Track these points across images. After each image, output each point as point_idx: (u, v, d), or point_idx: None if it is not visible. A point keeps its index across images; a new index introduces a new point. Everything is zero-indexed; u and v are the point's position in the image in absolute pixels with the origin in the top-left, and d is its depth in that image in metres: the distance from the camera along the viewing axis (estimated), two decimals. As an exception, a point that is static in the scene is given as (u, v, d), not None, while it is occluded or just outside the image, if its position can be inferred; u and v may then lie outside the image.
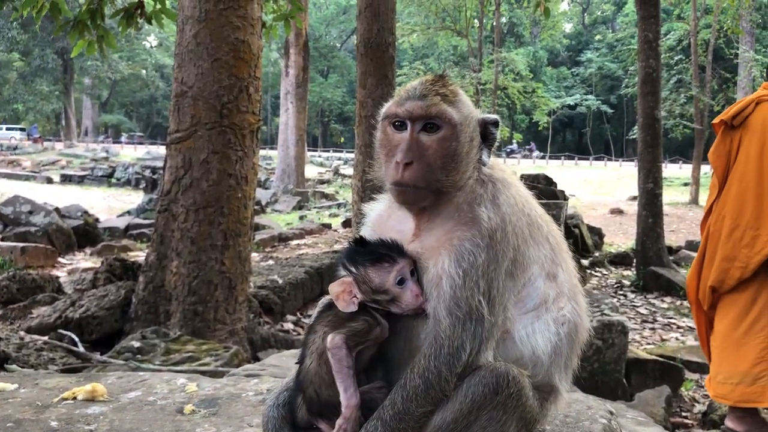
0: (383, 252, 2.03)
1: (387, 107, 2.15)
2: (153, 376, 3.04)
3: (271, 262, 13.53)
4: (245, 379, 3.11)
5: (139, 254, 13.05)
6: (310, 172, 40.07)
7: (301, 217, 23.74)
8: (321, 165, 50.69)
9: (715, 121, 5.45)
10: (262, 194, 27.58)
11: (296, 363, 2.10)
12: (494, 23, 49.24)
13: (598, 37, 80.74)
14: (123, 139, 73.73)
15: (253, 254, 14.31)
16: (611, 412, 2.49)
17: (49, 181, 37.40)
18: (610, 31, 77.88)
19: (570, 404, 2.57)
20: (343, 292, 2.01)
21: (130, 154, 54.34)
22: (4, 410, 2.66)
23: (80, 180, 38.05)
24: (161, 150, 47.69)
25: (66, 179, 38.25)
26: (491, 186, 2.11)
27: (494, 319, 1.98)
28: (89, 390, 2.80)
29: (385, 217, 2.27)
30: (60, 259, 15.17)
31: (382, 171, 2.15)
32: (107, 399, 2.81)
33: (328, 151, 69.77)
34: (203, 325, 7.48)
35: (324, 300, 2.14)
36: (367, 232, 2.26)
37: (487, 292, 1.96)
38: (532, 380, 2.06)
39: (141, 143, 70.10)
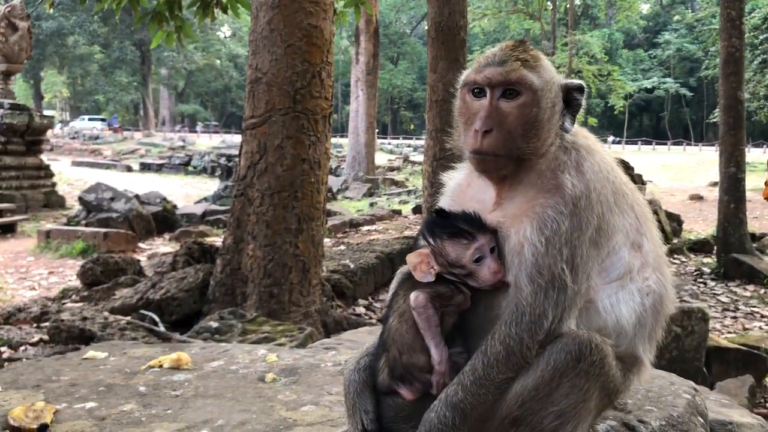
0: (462, 227, 2.01)
1: (466, 74, 2.12)
2: (234, 347, 3.15)
3: (342, 247, 13.67)
4: (323, 350, 3.18)
5: (215, 240, 13.39)
6: (380, 159, 40.19)
7: (372, 204, 23.85)
8: (391, 152, 50.79)
9: None
10: (333, 181, 27.85)
11: (380, 321, 2.12)
12: (568, 5, 48.25)
13: (676, 17, 78.04)
14: (199, 128, 75.42)
15: (326, 240, 14.51)
16: (695, 389, 2.45)
17: (129, 169, 38.60)
18: (690, 10, 75.09)
19: (652, 380, 2.53)
20: (420, 263, 2.02)
21: (206, 142, 55.52)
22: (96, 375, 2.80)
23: (158, 168, 39.15)
24: (236, 138, 48.64)
25: (145, 167, 39.42)
26: (575, 153, 2.08)
27: (577, 288, 1.96)
28: (175, 358, 2.91)
29: (464, 186, 2.25)
30: (140, 244, 15.70)
31: (461, 140, 2.13)
32: (191, 367, 2.91)
33: (398, 138, 69.73)
34: (278, 306, 7.63)
35: (403, 269, 2.15)
36: (446, 202, 2.24)
37: (570, 260, 1.94)
38: (615, 350, 2.03)
39: (216, 132, 71.50)
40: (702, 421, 2.24)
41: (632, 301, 2.05)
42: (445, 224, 2.05)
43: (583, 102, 2.13)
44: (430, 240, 2.05)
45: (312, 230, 7.90)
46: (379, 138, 47.38)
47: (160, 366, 2.90)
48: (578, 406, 1.94)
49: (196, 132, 69.96)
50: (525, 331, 1.91)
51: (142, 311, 7.97)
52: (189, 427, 2.21)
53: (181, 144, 51.22)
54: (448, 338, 2.02)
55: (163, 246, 15.67)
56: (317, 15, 7.80)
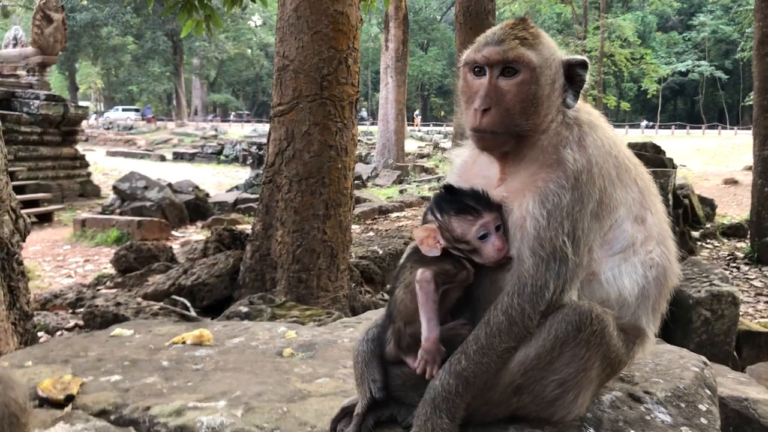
0: (469, 204, 2.05)
1: (466, 54, 2.15)
2: (255, 324, 3.24)
3: (371, 233, 13.74)
4: (341, 327, 3.25)
5: (246, 227, 13.54)
6: (410, 146, 40.15)
7: (401, 191, 23.87)
8: (421, 139, 50.64)
9: None
10: (362, 169, 27.92)
11: (387, 293, 2.18)
12: (599, -12, 47.62)
13: (712, -2, 76.57)
14: (231, 117, 75.99)
15: (354, 226, 14.62)
16: (705, 363, 2.46)
17: (162, 158, 39.09)
18: (726, -9, 73.62)
19: (661, 354, 2.56)
20: (427, 237, 2.07)
21: (238, 131, 55.92)
22: (122, 351, 2.91)
23: (191, 157, 39.54)
24: (267, 127, 48.91)
25: (178, 157, 39.86)
26: (577, 129, 2.10)
27: (578, 260, 1.99)
28: (197, 335, 3.02)
29: (470, 163, 2.29)
30: (173, 232, 15.92)
31: (463, 118, 2.17)
32: (213, 344, 3.01)
33: (428, 125, 69.52)
34: (307, 292, 7.72)
35: (413, 243, 2.20)
36: (453, 179, 2.29)
37: (572, 233, 1.97)
38: (618, 321, 2.06)
39: (248, 121, 71.95)
40: (710, 393, 2.26)
41: (635, 274, 2.08)
42: (452, 200, 2.09)
43: (587, 77, 2.15)
44: (437, 215, 2.10)
45: (340, 216, 7.97)
46: (409, 125, 47.35)
47: (183, 342, 3.01)
48: (579, 375, 1.98)
49: (228, 121, 70.51)
50: (527, 302, 1.96)
51: (174, 297, 8.13)
52: (207, 398, 2.30)
53: (213, 133, 51.64)
54: (454, 311, 2.08)
55: (196, 234, 15.87)
56: (343, 1, 7.83)
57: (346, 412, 2.11)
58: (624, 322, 2.09)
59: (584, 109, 2.20)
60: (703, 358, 2.47)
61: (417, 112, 74.42)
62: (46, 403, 2.38)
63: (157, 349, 2.93)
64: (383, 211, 17.81)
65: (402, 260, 2.23)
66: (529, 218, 2.00)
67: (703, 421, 2.10)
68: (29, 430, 2.00)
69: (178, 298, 8.03)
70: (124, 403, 2.33)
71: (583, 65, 2.14)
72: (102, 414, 2.29)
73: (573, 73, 2.14)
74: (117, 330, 3.19)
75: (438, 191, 2.18)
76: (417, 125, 62.72)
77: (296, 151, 7.80)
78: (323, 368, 2.62)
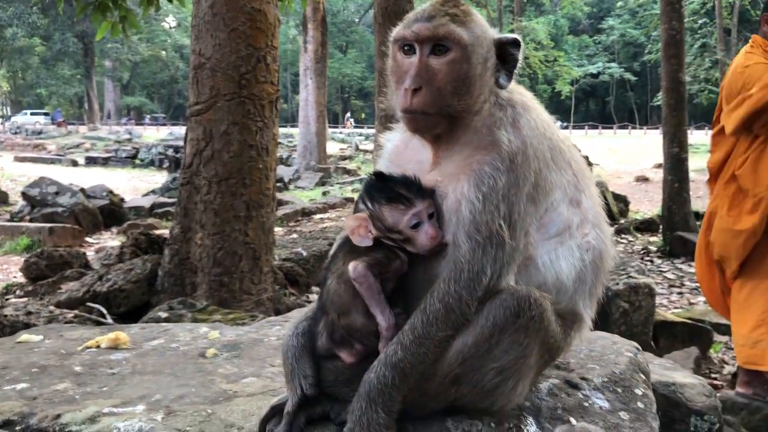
0: (400, 192, 1.99)
1: (396, 31, 2.08)
2: (176, 326, 3.11)
3: (295, 235, 13.59)
4: (267, 326, 3.15)
5: (165, 231, 13.18)
6: (332, 148, 40.03)
7: (324, 193, 23.78)
8: (342, 141, 50.58)
9: None
10: (284, 171, 27.66)
11: (318, 285, 2.11)
12: (514, -8, 48.67)
13: (619, 3, 79.12)
14: (146, 120, 74.21)
15: (278, 229, 14.44)
16: (637, 348, 2.49)
17: (75, 164, 37.76)
18: (632, -4, 76.49)
19: (595, 340, 2.57)
20: (358, 227, 2.00)
21: (153, 135, 54.62)
22: (30, 358, 2.72)
23: (105, 162, 38.37)
24: (183, 130, 48.00)
25: (91, 161, 38.60)
26: (511, 110, 2.05)
27: (515, 244, 1.95)
28: (112, 338, 2.85)
29: (402, 148, 2.22)
30: (87, 239, 15.38)
31: (393, 99, 2.09)
32: (130, 347, 2.86)
33: (345, 126, 69.60)
34: (229, 295, 7.54)
35: (343, 233, 2.12)
36: (384, 164, 2.21)
37: (508, 216, 1.93)
38: (555, 307, 2.03)
39: (163, 124, 70.49)
40: (644, 378, 2.28)
41: (572, 257, 2.05)
42: (383, 188, 2.02)
43: (521, 56, 2.09)
44: (368, 204, 2.02)
45: (262, 217, 7.82)
46: (330, 127, 47.23)
47: (98, 346, 2.84)
48: (519, 362, 1.94)
49: (142, 124, 68.84)
50: (464, 288, 1.89)
51: (89, 304, 7.80)
52: (124, 403, 2.16)
53: (128, 137, 50.31)
54: (390, 302, 2.00)
55: (111, 240, 15.38)
56: (260, -1, 7.69)
57: (275, 411, 2.00)
58: (561, 307, 2.06)
59: (517, 90, 2.16)
60: (635, 344, 2.50)
61: (348, 114, 74.32)
62: (-60, 416, 2.19)
63: (69, 354, 2.75)
64: (306, 213, 17.69)
65: (333, 250, 2.15)
66: (465, 202, 1.94)
67: (640, 405, 2.11)
68: None
69: (93, 305, 7.71)
70: (31, 412, 2.15)
71: (516, 44, 2.08)
72: (6, 425, 2.10)
73: (505, 52, 2.08)
74: (24, 336, 2.99)
75: (368, 178, 2.10)
76: (349, 127, 62.55)
77: (215, 151, 7.60)
78: (249, 368, 2.52)
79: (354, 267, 1.95)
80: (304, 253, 10.25)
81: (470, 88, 2.01)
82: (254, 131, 7.64)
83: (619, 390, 2.18)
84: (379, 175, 2.08)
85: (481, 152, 1.98)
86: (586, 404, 2.11)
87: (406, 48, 2.04)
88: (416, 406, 1.96)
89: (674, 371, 2.98)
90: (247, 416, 2.06)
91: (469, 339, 1.91)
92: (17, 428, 2.09)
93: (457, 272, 1.91)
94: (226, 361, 2.62)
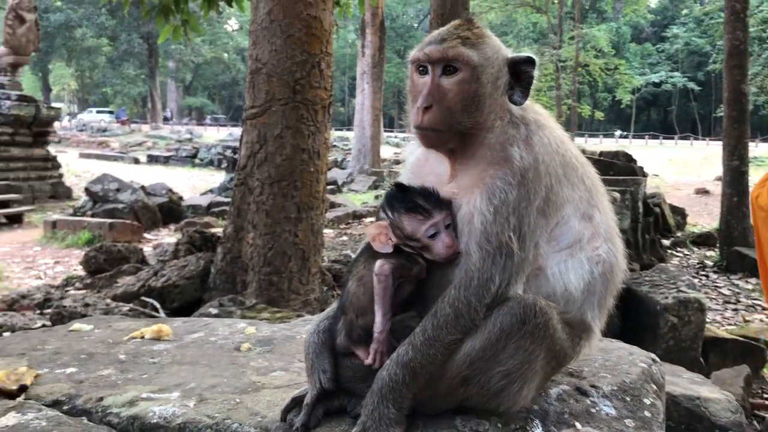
0: (419, 203, 2.10)
1: (412, 52, 2.21)
2: (216, 321, 3.26)
3: (345, 238, 13.80)
4: (302, 324, 3.27)
5: (219, 230, 13.48)
6: (386, 152, 40.19)
7: (377, 197, 23.90)
8: (397, 146, 50.69)
9: None
10: (338, 174, 27.94)
11: (340, 286, 2.21)
12: (575, -1, 48.09)
13: (684, 11, 77.57)
14: (206, 121, 75.61)
15: (328, 231, 14.65)
16: (654, 360, 2.52)
17: (136, 161, 38.81)
18: (698, 4, 74.60)
19: (612, 351, 2.62)
20: (379, 234, 2.12)
21: (213, 135, 55.67)
22: (80, 345, 2.92)
23: (165, 160, 39.30)
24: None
25: (152, 160, 39.59)
26: (524, 127, 2.14)
27: (524, 255, 2.04)
28: (156, 330, 3.04)
29: (423, 161, 2.34)
30: (145, 235, 15.83)
31: (410, 116, 2.21)
32: (172, 338, 3.03)
33: (405, 131, 69.63)
34: (278, 294, 7.72)
35: (365, 240, 2.24)
36: (406, 176, 2.34)
37: (518, 228, 2.02)
38: (564, 316, 2.11)
39: (223, 125, 71.67)
40: (655, 388, 2.31)
41: (581, 269, 2.13)
42: (403, 199, 2.14)
43: (536, 74, 2.18)
44: (389, 213, 2.15)
45: (311, 219, 7.98)
46: (385, 131, 47.43)
47: (142, 337, 3.02)
48: (524, 366, 2.03)
49: (203, 125, 70.15)
50: (473, 295, 2.00)
51: (144, 298, 8.08)
52: (161, 390, 2.32)
53: (188, 137, 51.39)
54: (405, 304, 2.12)
55: (168, 237, 15.79)
56: (317, 5, 7.86)
57: (296, 402, 2.13)
58: (570, 317, 2.14)
59: (532, 109, 2.25)
60: (653, 356, 2.53)
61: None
62: (-1, 393, 2.40)
63: (116, 343, 2.94)
64: (358, 216, 17.85)
65: (356, 255, 2.27)
66: (477, 214, 2.04)
67: (647, 414, 2.15)
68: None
69: (147, 299, 7.99)
70: (77, 394, 2.33)
71: (530, 62, 2.17)
72: (55, 404, 2.30)
73: (519, 71, 2.18)
74: (76, 325, 3.20)
75: (390, 189, 2.23)
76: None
77: (268, 154, 7.80)
78: (279, 362, 2.65)
79: (381, 264, 2.07)
80: (353, 256, 10.38)
81: (480, 106, 2.12)
82: (306, 135, 7.82)
83: (628, 398, 2.23)
84: (399, 186, 2.20)
85: (494, 167, 2.08)
86: (593, 410, 2.17)
87: (420, 69, 2.17)
88: (427, 404, 2.07)
89: (702, 386, 3.00)
90: (271, 406, 2.19)
91: (477, 343, 2.01)
92: (64, 408, 2.28)
93: (467, 279, 2.02)
94: (259, 355, 2.76)
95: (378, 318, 2.04)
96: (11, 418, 2.11)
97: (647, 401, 2.22)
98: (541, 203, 2.07)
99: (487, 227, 2.02)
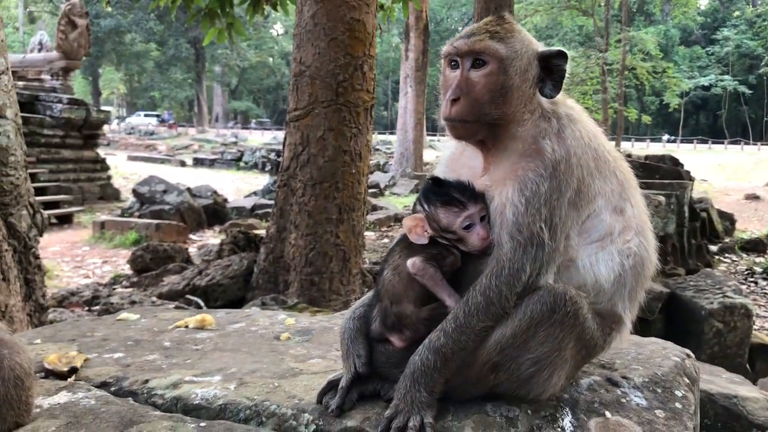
0: (454, 196, 2.17)
1: (444, 48, 2.27)
2: (257, 312, 3.37)
3: (386, 240, 13.88)
4: (339, 316, 3.35)
5: (262, 231, 13.66)
6: (429, 155, 40.17)
7: (419, 200, 23.94)
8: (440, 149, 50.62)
9: None
10: (380, 177, 28.04)
11: (375, 275, 2.28)
12: (622, 1, 47.47)
13: (736, 13, 75.97)
14: (251, 124, 76.54)
15: (369, 233, 14.76)
16: (688, 354, 2.52)
17: (183, 164, 39.52)
18: (750, 5, 73.06)
19: (645, 345, 2.63)
20: (415, 226, 2.19)
21: (258, 139, 56.34)
22: (127, 333, 3.06)
23: (211, 163, 39.92)
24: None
25: (198, 162, 40.25)
26: (555, 121, 2.19)
27: (555, 245, 2.09)
28: (199, 319, 3.15)
29: (458, 155, 2.40)
30: (191, 236, 16.12)
31: (441, 109, 2.27)
32: (215, 328, 3.14)
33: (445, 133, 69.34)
34: (319, 294, 7.83)
35: (401, 232, 2.30)
36: (441, 169, 2.40)
37: (549, 220, 2.07)
38: (594, 306, 2.15)
39: (268, 128, 72.42)
40: (688, 381, 2.31)
41: (611, 261, 2.16)
42: (439, 192, 2.21)
43: (568, 68, 2.22)
44: (425, 206, 2.21)
45: (353, 221, 8.08)
46: (428, 135, 47.34)
47: (186, 326, 3.14)
48: (553, 354, 2.07)
49: (248, 128, 71.01)
50: (504, 284, 2.05)
51: (189, 296, 8.28)
52: (204, 374, 2.42)
53: (234, 140, 52.06)
54: None
55: (213, 238, 16.06)
56: (360, 9, 7.96)
57: (332, 386, 2.20)
58: (600, 308, 2.18)
59: (565, 103, 2.29)
60: (687, 351, 2.54)
61: None
62: (51, 374, 2.52)
63: (161, 331, 3.07)
64: (399, 219, 17.90)
65: (392, 245, 2.34)
66: (509, 205, 2.09)
67: (678, 405, 2.16)
68: (33, 394, 2.14)
69: (192, 297, 8.18)
70: (124, 377, 2.45)
71: (561, 56, 2.22)
72: (103, 385, 2.41)
73: (551, 65, 2.22)
74: (124, 314, 3.34)
75: (426, 182, 2.29)
76: None
77: (311, 155, 7.93)
78: (317, 350, 2.74)
79: (413, 263, 2.14)
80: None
81: (507, 97, 2.17)
82: (349, 137, 7.92)
83: (659, 390, 2.25)
84: (435, 180, 2.27)
85: (526, 160, 2.13)
86: (623, 401, 2.19)
87: (452, 63, 2.24)
88: (458, 390, 2.13)
89: (741, 385, 2.98)
90: (308, 390, 2.27)
91: (507, 330, 2.06)
92: (112, 389, 2.39)
93: (498, 269, 2.07)
94: (297, 344, 2.85)
95: (448, 300, 2.11)
96: (63, 397, 2.23)
97: (679, 393, 2.23)
98: (572, 195, 2.12)
99: (519, 218, 2.07)
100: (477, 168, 2.27)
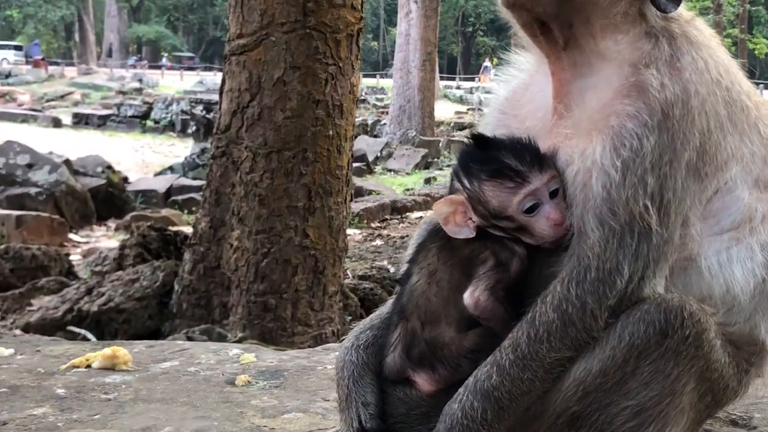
0: (507, 163, 2.17)
1: None
2: (195, 345, 3.41)
3: (379, 242, 13.85)
4: (323, 352, 3.39)
5: (186, 229, 13.64)
6: (444, 110, 40.08)
7: (428, 180, 23.88)
8: (461, 101, 50.54)
9: None
10: (369, 145, 27.95)
11: (397, 281, 2.30)
12: None
13: None
14: (164, 62, 76.18)
15: (354, 231, 14.74)
16: None
17: (57, 123, 39.24)
18: None
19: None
20: (453, 213, 2.20)
21: (175, 84, 56.01)
22: (-2, 376, 3.08)
23: (101, 122, 39.71)
24: (219, 77, 48.75)
25: (81, 121, 40.02)
26: (666, 43, 2.20)
27: (667, 234, 2.10)
28: (108, 355, 3.20)
29: (520, 93, 2.43)
30: (72, 235, 16.01)
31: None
32: (132, 368, 3.19)
33: (473, 79, 69.07)
34: (276, 325, 7.79)
35: (431, 217, 2.31)
36: (492, 118, 2.44)
37: (658, 195, 2.07)
38: (725, 329, 2.17)
39: (191, 68, 72.12)
40: None
41: (751, 262, 2.18)
42: (486, 159, 2.22)
43: None
44: (465, 182, 2.23)
45: (329, 210, 8.02)
46: (442, 79, 47.29)
47: (88, 366, 3.18)
48: (664, 400, 2.09)
49: (159, 68, 70.64)
50: (589, 293, 2.06)
51: (72, 328, 8.24)
52: (123, 435, 2.46)
53: (137, 86, 51.83)
54: None
55: (108, 238, 16.00)
56: None
57: None
58: (733, 330, 2.21)
59: (683, 19, 2.29)
60: None
61: (487, 63, 71.46)
62: None
63: (49, 373, 3.11)
64: (398, 209, 17.89)
65: (418, 237, 2.36)
66: (597, 172, 2.10)
67: None
68: None
69: (77, 330, 8.15)
70: (-1, 441, 2.50)
71: None
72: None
73: None
74: (-11, 348, 3.39)
75: (465, 145, 2.31)
76: (487, 83, 61.10)
77: (264, 108, 7.86)
78: (294, 401, 2.79)
79: (475, 299, 2.14)
80: (392, 269, 10.42)
81: None
82: (323, 80, 7.87)
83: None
84: (479, 139, 2.27)
85: (622, 100, 2.13)
86: (767, 476, 2.23)
87: None
88: None
89: None
90: (286, 458, 2.32)
91: (594, 364, 2.08)
92: (-18, 460, 2.44)
93: (581, 270, 2.08)
94: (263, 391, 2.91)
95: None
96: None
97: None
98: (693, 158, 2.13)
99: (613, 192, 2.07)
100: (545, 108, 2.29)
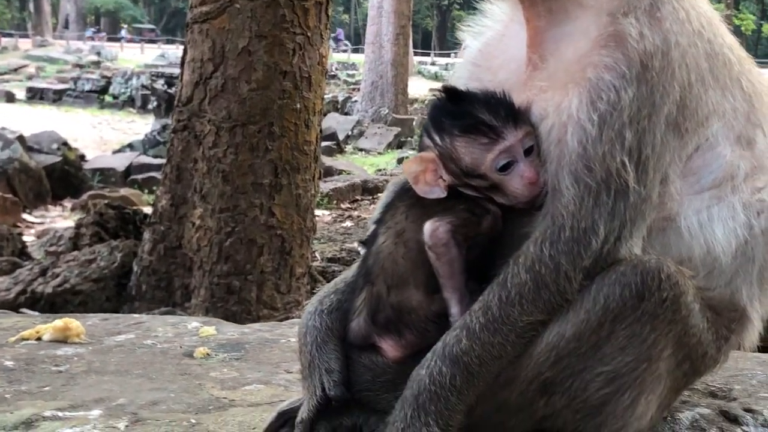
0: (481, 117, 2.16)
1: None
2: (153, 319, 3.40)
3: (349, 223, 13.88)
4: (286, 325, 3.39)
5: (146, 208, 13.61)
6: (418, 88, 40.12)
7: (401, 160, 23.89)
8: (436, 77, 50.53)
9: None
10: (339, 123, 27.93)
11: (361, 243, 2.30)
12: None
13: None
14: (123, 34, 75.77)
15: (323, 212, 14.77)
16: None
17: (10, 97, 39.05)
18: None
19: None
20: (423, 171, 2.20)
21: (134, 57, 55.82)
22: (-61, 349, 3.09)
23: (57, 97, 39.55)
24: (182, 49, 48.60)
25: (35, 95, 39.82)
26: None
27: (645, 192, 2.09)
28: (60, 327, 3.20)
29: (493, 44, 2.43)
30: (25, 215, 15.97)
31: None
32: (85, 340, 3.20)
33: (449, 54, 69.17)
34: (240, 308, 7.79)
35: (400, 178, 2.31)
36: (465, 71, 2.43)
37: (636, 150, 2.07)
38: (704, 293, 2.18)
39: (152, 41, 71.81)
40: None
41: (732, 221, 2.19)
42: (458, 113, 2.20)
43: None
44: (437, 138, 2.22)
45: (297, 188, 8.01)
46: (416, 55, 47.30)
47: (39, 339, 3.19)
48: (640, 366, 2.09)
49: (118, 40, 70.29)
50: (563, 254, 2.06)
51: (25, 310, 8.21)
52: (73, 406, 2.47)
53: (95, 59, 51.57)
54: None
55: (63, 218, 15.97)
56: None
57: (285, 419, 2.24)
58: (713, 295, 2.21)
59: None
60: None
61: None
62: None
63: (-3, 345, 3.10)
64: (369, 190, 17.89)
65: (386, 198, 2.35)
66: (572, 126, 2.09)
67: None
68: None
69: (31, 312, 8.13)
70: (-59, 412, 2.49)
71: None
72: None
73: None
74: (-67, 322, 3.38)
75: (436, 99, 2.30)
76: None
77: (228, 79, 7.85)
78: (255, 372, 2.80)
79: (433, 230, 2.14)
80: (362, 251, 10.46)
81: None
82: (290, 50, 7.86)
83: (800, 431, 2.30)
84: (450, 93, 2.25)
85: (599, 51, 2.13)
86: (746, 446, 2.24)
87: None
88: (487, 424, 2.15)
89: None
90: (245, 429, 2.31)
91: (567, 328, 2.08)
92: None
93: (555, 230, 2.08)
94: (223, 363, 2.92)
95: (453, 307, 2.13)
96: None
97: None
98: (672, 112, 2.12)
99: (589, 148, 2.07)
100: (519, 60, 2.29)
